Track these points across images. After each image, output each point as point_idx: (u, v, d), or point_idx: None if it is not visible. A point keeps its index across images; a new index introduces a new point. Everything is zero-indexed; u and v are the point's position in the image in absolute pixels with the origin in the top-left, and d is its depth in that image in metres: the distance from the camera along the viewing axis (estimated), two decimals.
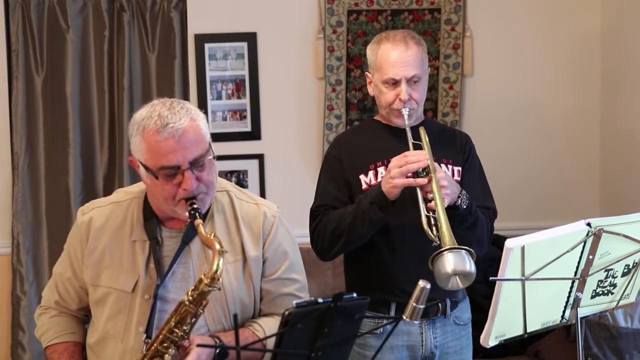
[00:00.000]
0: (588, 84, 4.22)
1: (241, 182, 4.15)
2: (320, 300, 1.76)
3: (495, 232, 2.75)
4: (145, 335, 2.12)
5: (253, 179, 4.18)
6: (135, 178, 3.86)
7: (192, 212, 2.08)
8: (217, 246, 2.03)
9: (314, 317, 1.76)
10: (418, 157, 2.48)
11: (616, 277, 2.33)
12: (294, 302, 1.75)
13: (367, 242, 2.65)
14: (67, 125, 4.06)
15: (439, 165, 2.63)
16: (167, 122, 2.06)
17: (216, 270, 2.02)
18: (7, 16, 4.02)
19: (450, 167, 2.70)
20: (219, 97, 4.13)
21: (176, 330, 2.06)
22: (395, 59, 2.63)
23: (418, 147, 2.60)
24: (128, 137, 2.17)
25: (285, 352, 1.81)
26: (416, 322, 2.32)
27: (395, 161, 2.51)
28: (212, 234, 2.07)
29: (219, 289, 2.07)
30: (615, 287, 2.35)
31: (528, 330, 2.26)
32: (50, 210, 4.09)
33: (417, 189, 2.48)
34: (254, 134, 4.17)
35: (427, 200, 2.47)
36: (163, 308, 2.14)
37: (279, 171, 4.20)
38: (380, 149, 2.68)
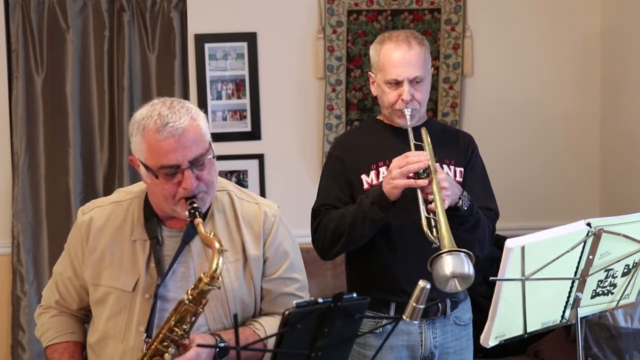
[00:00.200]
0: (588, 84, 4.22)
1: (241, 182, 4.15)
2: (320, 300, 1.76)
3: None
4: (145, 335, 2.13)
5: (253, 179, 4.18)
6: (135, 178, 3.86)
7: (192, 211, 2.08)
8: (217, 245, 2.03)
9: (314, 317, 1.76)
10: (419, 158, 2.48)
11: (616, 277, 2.33)
12: (294, 302, 1.75)
13: (368, 242, 2.65)
14: (67, 125, 4.06)
15: (441, 165, 2.63)
16: (167, 122, 2.06)
17: (215, 269, 2.02)
18: (7, 16, 4.02)
19: (452, 167, 2.70)
20: (219, 97, 4.13)
21: (176, 329, 2.06)
22: (398, 59, 2.63)
23: (420, 148, 2.60)
24: (128, 136, 2.18)
25: (285, 352, 1.81)
26: (416, 322, 2.32)
27: (396, 162, 2.51)
28: (212, 233, 2.07)
29: (219, 288, 2.07)
30: (615, 287, 2.35)
31: (528, 330, 2.26)
32: (50, 210, 4.09)
33: (418, 190, 2.48)
34: (254, 134, 4.17)
35: (427, 202, 2.47)
36: (163, 307, 2.14)
37: (279, 171, 4.20)
38: (382, 148, 2.68)
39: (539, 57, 4.20)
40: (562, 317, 2.31)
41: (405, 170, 2.47)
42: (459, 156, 2.73)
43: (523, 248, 2.10)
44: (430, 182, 2.46)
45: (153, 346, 2.08)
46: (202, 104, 4.04)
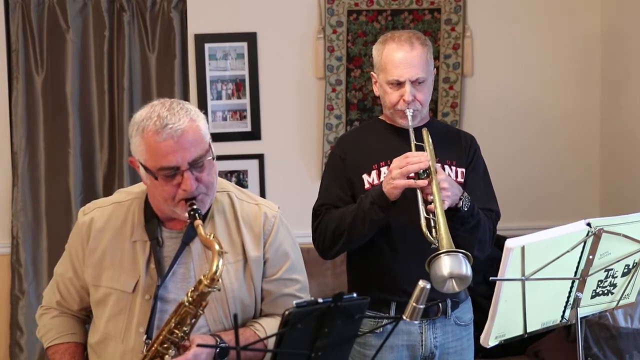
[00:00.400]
0: (588, 84, 4.22)
1: (241, 182, 4.15)
2: (320, 300, 1.76)
3: None
4: (145, 336, 2.13)
5: (253, 179, 4.18)
6: (135, 178, 3.86)
7: (192, 212, 2.08)
8: (217, 247, 2.03)
9: (314, 317, 1.76)
10: (419, 159, 2.48)
11: (616, 277, 2.33)
12: (294, 302, 1.75)
13: (369, 242, 2.65)
14: (67, 125, 4.06)
15: (443, 166, 2.64)
16: (167, 123, 2.06)
17: (215, 271, 2.02)
18: (7, 16, 4.02)
19: (454, 168, 2.70)
20: (219, 97, 4.13)
21: (176, 331, 2.06)
22: (400, 59, 2.63)
23: (421, 148, 2.60)
24: (128, 137, 2.18)
25: (285, 352, 1.81)
26: (416, 322, 2.32)
27: (396, 162, 2.51)
28: (212, 235, 2.07)
29: (219, 290, 2.07)
30: (615, 287, 2.35)
31: (528, 330, 2.26)
32: (49, 210, 4.09)
33: (418, 190, 2.48)
34: (254, 134, 4.17)
35: (427, 202, 2.47)
36: (163, 308, 2.14)
37: (279, 171, 4.20)
38: (384, 148, 2.68)
39: (539, 57, 4.20)
40: (562, 317, 2.31)
41: (405, 171, 2.47)
42: (460, 157, 2.73)
43: (523, 248, 2.10)
44: (430, 183, 2.46)
45: (153, 348, 2.08)
46: (202, 104, 4.03)
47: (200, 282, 2.03)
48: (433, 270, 2.33)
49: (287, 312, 1.73)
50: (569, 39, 4.20)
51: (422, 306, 1.94)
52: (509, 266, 2.11)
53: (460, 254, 2.34)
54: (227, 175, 4.12)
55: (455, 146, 2.75)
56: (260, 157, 4.19)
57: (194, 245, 2.18)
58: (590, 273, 2.24)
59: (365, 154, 2.71)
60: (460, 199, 2.51)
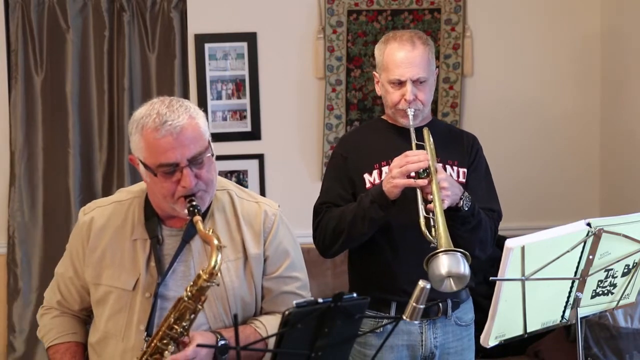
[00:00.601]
0: (588, 84, 4.22)
1: (241, 182, 4.15)
2: (320, 300, 1.76)
3: None
4: (145, 334, 2.13)
5: (253, 179, 4.18)
6: (135, 179, 3.87)
7: (191, 209, 2.08)
8: (216, 242, 2.03)
9: (314, 317, 1.76)
10: (418, 158, 2.49)
11: (616, 277, 2.33)
12: (294, 302, 1.75)
13: (369, 242, 2.66)
14: (67, 125, 4.06)
15: (444, 166, 2.64)
16: (166, 120, 2.06)
17: (214, 266, 2.02)
18: (7, 16, 4.02)
19: (455, 168, 2.70)
20: (219, 97, 4.13)
21: (175, 327, 2.06)
22: (402, 59, 2.63)
23: (422, 148, 2.60)
24: (128, 136, 2.18)
25: (285, 352, 1.81)
26: (416, 322, 2.32)
27: (396, 161, 2.51)
28: (211, 230, 2.07)
29: (217, 285, 2.07)
30: (615, 287, 2.35)
31: (528, 330, 2.26)
32: (46, 210, 4.08)
33: (417, 189, 2.48)
34: (254, 134, 4.17)
35: (427, 201, 2.47)
36: (164, 306, 2.14)
37: (279, 171, 4.20)
38: (385, 148, 2.68)
39: (539, 57, 4.20)
40: (562, 317, 2.31)
41: (405, 170, 2.47)
42: (462, 157, 2.73)
43: (523, 248, 2.10)
44: (430, 182, 2.46)
45: (153, 344, 2.08)
46: (202, 104, 4.03)
47: (199, 276, 2.04)
48: (431, 269, 2.34)
49: (287, 312, 1.74)
50: (569, 39, 4.20)
51: (422, 306, 1.94)
52: (509, 266, 2.11)
53: (459, 253, 2.34)
54: (227, 175, 4.12)
55: (457, 146, 2.75)
56: (260, 157, 4.19)
57: (194, 243, 2.19)
58: (590, 273, 2.24)
59: (367, 153, 2.71)
60: (461, 198, 2.51)
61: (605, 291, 2.34)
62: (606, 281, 2.31)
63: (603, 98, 4.21)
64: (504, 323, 2.20)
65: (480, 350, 2.69)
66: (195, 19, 4.08)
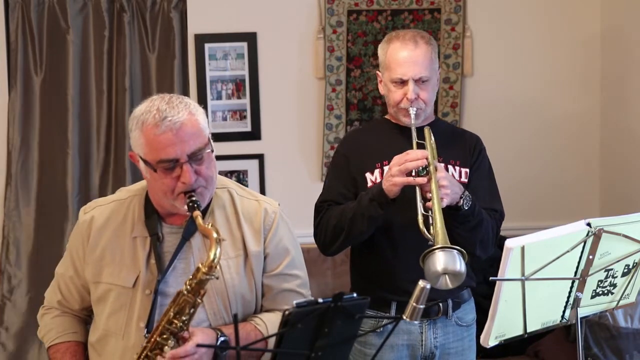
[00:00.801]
0: (588, 84, 4.22)
1: (241, 182, 4.15)
2: (320, 300, 1.76)
3: None
4: (145, 331, 2.13)
5: (253, 179, 4.18)
6: (135, 180, 3.86)
7: (191, 204, 2.08)
8: (215, 235, 2.04)
9: (314, 317, 1.77)
10: (417, 156, 2.49)
11: (616, 277, 2.33)
12: (294, 302, 1.75)
13: (370, 241, 2.67)
14: (65, 125, 4.05)
15: (446, 166, 2.64)
16: (165, 116, 2.07)
17: (213, 259, 2.02)
18: (7, 16, 4.02)
19: (457, 168, 2.70)
20: (219, 97, 4.13)
21: (175, 321, 2.06)
22: (404, 58, 2.64)
23: (422, 146, 2.61)
24: (127, 136, 2.18)
25: (285, 352, 1.81)
26: (416, 322, 2.32)
27: (396, 159, 2.52)
28: (210, 224, 2.08)
29: (217, 278, 2.07)
30: (615, 287, 2.35)
31: (528, 330, 2.26)
32: (42, 210, 4.07)
33: (417, 188, 2.49)
34: (254, 134, 4.17)
35: (426, 199, 2.48)
36: (164, 303, 2.14)
37: (279, 171, 4.20)
38: (388, 147, 2.68)
39: (539, 57, 4.20)
40: (562, 317, 2.31)
41: (404, 168, 2.48)
42: (465, 157, 2.73)
43: (523, 248, 2.10)
44: (429, 180, 2.47)
45: (153, 339, 2.08)
46: (202, 104, 3.96)
47: (198, 269, 2.04)
48: (427, 266, 2.34)
49: (287, 312, 1.74)
50: (569, 39, 4.20)
51: (422, 306, 1.94)
52: (509, 266, 2.11)
53: (455, 251, 2.35)
54: (227, 175, 4.12)
55: (460, 146, 2.75)
56: (260, 157, 4.19)
57: (194, 240, 2.19)
58: (590, 273, 2.24)
59: (369, 152, 2.72)
60: (461, 197, 2.52)
61: (605, 291, 2.34)
62: (606, 281, 2.31)
63: (603, 98, 4.21)
64: (504, 323, 2.20)
65: (480, 350, 2.69)
66: (195, 19, 4.08)
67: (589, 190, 4.27)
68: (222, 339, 2.11)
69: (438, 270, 2.33)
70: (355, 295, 1.82)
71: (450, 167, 2.69)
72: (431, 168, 2.48)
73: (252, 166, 4.18)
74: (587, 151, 4.26)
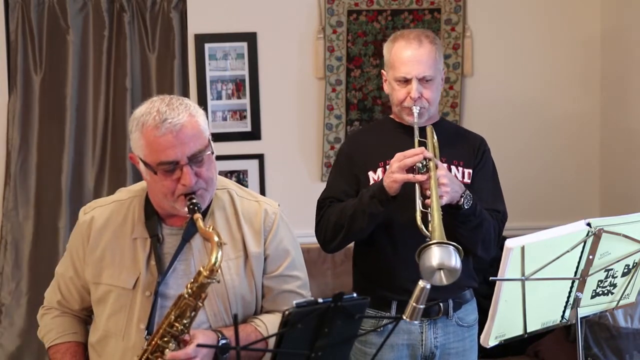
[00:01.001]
0: (588, 84, 4.22)
1: (241, 182, 4.15)
2: (320, 300, 1.76)
3: None
4: (146, 332, 2.13)
5: (253, 179, 4.18)
6: (135, 181, 3.86)
7: (191, 206, 2.08)
8: (216, 238, 2.04)
9: (314, 317, 1.76)
10: (414, 152, 2.51)
11: (616, 277, 2.33)
12: (294, 302, 1.75)
13: (371, 240, 2.67)
14: (65, 125, 4.05)
15: (449, 166, 2.65)
16: (166, 118, 2.06)
17: (215, 263, 2.02)
18: (7, 16, 4.01)
19: (460, 169, 2.71)
20: (219, 97, 4.13)
21: (176, 324, 2.06)
22: (408, 57, 2.65)
23: (424, 145, 2.62)
24: (128, 136, 2.18)
25: (285, 352, 1.81)
26: (416, 322, 2.32)
27: (396, 156, 2.53)
28: (211, 227, 2.08)
29: (218, 282, 2.07)
30: (615, 287, 2.35)
31: (528, 330, 2.26)
32: (40, 210, 4.06)
33: (416, 185, 2.49)
34: (254, 134, 4.17)
35: (425, 197, 2.49)
36: (164, 304, 2.14)
37: (279, 171, 4.20)
38: (391, 146, 2.68)
39: (539, 57, 4.20)
40: (562, 317, 2.31)
41: (403, 164, 2.49)
42: (468, 158, 2.74)
43: (523, 248, 2.10)
44: (429, 178, 2.47)
45: (153, 342, 2.08)
46: (202, 104, 3.95)
47: (199, 273, 2.04)
48: (422, 261, 2.35)
49: (287, 312, 1.74)
50: (569, 39, 4.20)
51: (422, 306, 1.94)
52: (509, 266, 2.11)
53: (451, 247, 2.35)
54: (227, 175, 4.12)
55: (464, 147, 2.76)
56: (260, 157, 4.19)
57: (195, 242, 2.19)
58: (590, 273, 2.24)
59: (372, 151, 2.72)
60: (462, 196, 2.52)
61: (605, 291, 2.34)
62: (606, 281, 2.31)
63: (603, 98, 4.20)
64: (504, 323, 2.20)
65: (480, 350, 2.69)
66: (195, 19, 4.08)
67: (589, 190, 4.27)
68: (222, 341, 2.10)
69: (433, 265, 2.34)
70: (355, 295, 1.82)
71: (453, 167, 2.69)
72: (431, 165, 2.49)
73: (252, 166, 4.18)
74: (587, 151, 4.26)
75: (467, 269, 2.73)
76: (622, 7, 4.03)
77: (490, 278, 2.13)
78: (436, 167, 2.50)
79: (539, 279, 2.16)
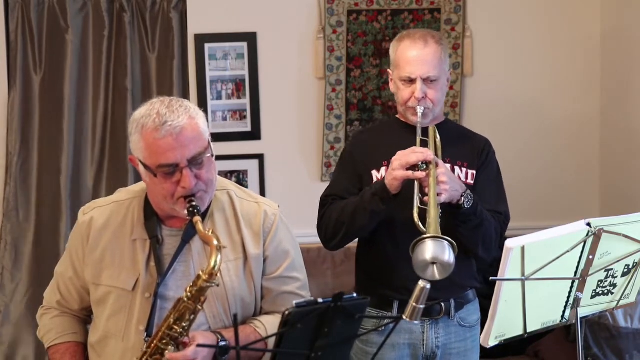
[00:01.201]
0: (588, 84, 4.22)
1: (241, 182, 4.15)
2: (320, 300, 1.76)
3: None
4: (145, 334, 2.13)
5: (253, 179, 4.18)
6: (136, 181, 3.86)
7: (191, 209, 2.08)
8: (215, 242, 2.04)
9: (314, 317, 1.76)
10: (415, 150, 2.52)
11: (616, 277, 2.32)
12: (294, 302, 1.75)
13: (373, 238, 2.68)
14: (64, 125, 4.04)
15: (453, 167, 2.66)
16: (166, 120, 2.06)
17: (214, 266, 2.02)
18: (7, 16, 4.01)
19: (464, 169, 2.71)
20: (219, 97, 4.13)
21: (175, 327, 2.06)
22: (413, 57, 2.65)
23: (426, 143, 2.63)
24: (128, 137, 2.18)
25: (285, 352, 1.81)
26: (416, 322, 2.32)
27: (398, 154, 2.54)
28: (211, 231, 2.07)
29: (217, 285, 2.07)
30: (615, 287, 2.35)
31: (528, 330, 2.26)
32: (41, 210, 4.06)
33: (415, 182, 2.50)
34: (254, 134, 4.17)
35: (425, 194, 2.49)
36: (163, 306, 2.14)
37: (279, 171, 4.20)
38: (395, 146, 2.68)
39: (539, 57, 4.20)
40: (562, 317, 2.31)
41: (405, 162, 2.49)
42: (472, 159, 2.74)
43: (523, 248, 2.10)
44: (428, 175, 2.47)
45: (153, 344, 2.08)
46: (202, 104, 4.03)
47: (198, 277, 2.04)
48: (415, 255, 2.35)
49: (287, 312, 1.74)
50: (569, 39, 4.20)
51: (422, 306, 1.95)
52: (509, 266, 2.11)
53: (445, 241, 2.35)
54: (227, 175, 4.12)
55: (468, 148, 2.76)
56: (260, 157, 4.19)
57: (194, 243, 2.19)
58: (590, 273, 2.24)
59: (376, 150, 2.73)
60: (462, 195, 2.52)
61: (605, 291, 2.34)
62: (606, 281, 2.31)
63: (603, 98, 4.20)
64: (504, 323, 2.20)
65: (480, 350, 2.69)
66: (195, 19, 4.07)
67: (589, 190, 4.27)
68: (222, 342, 2.10)
69: (426, 258, 2.34)
70: (355, 295, 1.82)
71: (457, 167, 2.70)
72: (432, 164, 2.49)
73: (252, 166, 4.18)
74: (587, 151, 4.25)
75: (470, 269, 2.73)
76: (622, 7, 4.03)
77: (490, 278, 2.13)
78: (437, 165, 2.51)
79: (539, 279, 2.16)
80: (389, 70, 2.80)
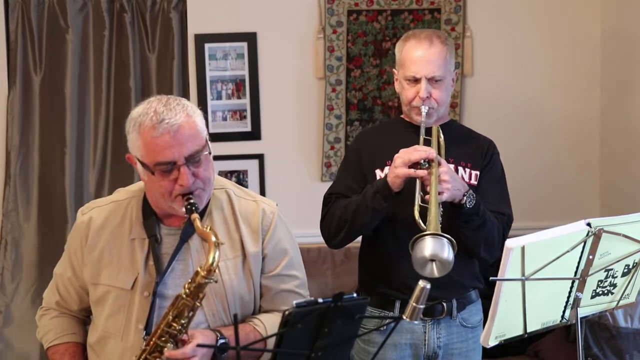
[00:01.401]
0: (588, 84, 4.22)
1: (241, 182, 4.15)
2: (320, 300, 1.76)
3: None
4: (144, 332, 2.13)
5: (253, 179, 4.18)
6: (136, 180, 3.85)
7: (189, 207, 2.08)
8: (213, 238, 2.04)
9: (314, 317, 1.76)
10: (418, 148, 2.53)
11: (616, 277, 2.32)
12: (294, 302, 1.75)
13: (376, 237, 2.68)
14: (64, 125, 4.04)
15: (457, 167, 2.67)
16: (163, 118, 2.07)
17: (212, 263, 2.02)
18: (7, 16, 4.01)
19: (468, 170, 2.71)
20: (219, 97, 4.13)
21: (174, 324, 2.06)
22: (418, 56, 2.66)
23: (429, 143, 2.64)
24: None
25: (285, 352, 1.81)
26: (416, 322, 2.32)
27: (400, 152, 2.54)
28: (208, 227, 2.08)
29: (216, 282, 2.07)
30: (615, 287, 2.35)
31: (528, 330, 2.26)
32: (41, 210, 4.06)
33: (417, 180, 2.50)
34: (254, 134, 4.17)
35: (426, 192, 2.49)
36: (162, 305, 2.15)
37: (279, 171, 4.20)
38: (399, 145, 2.68)
39: (539, 57, 4.20)
40: (562, 317, 2.31)
41: (407, 159, 2.50)
42: (476, 159, 2.74)
43: (523, 248, 2.10)
44: (430, 173, 2.48)
45: (152, 342, 2.08)
46: (202, 104, 4.03)
47: (197, 273, 2.04)
48: (414, 252, 2.35)
49: (287, 312, 1.74)
50: (569, 39, 4.20)
51: (422, 306, 1.94)
52: (509, 266, 2.11)
53: (445, 239, 2.35)
54: (227, 175, 4.12)
55: (472, 149, 2.76)
56: (260, 157, 4.19)
57: (193, 242, 2.19)
58: (590, 273, 2.24)
59: (381, 150, 2.73)
60: (464, 195, 2.52)
61: (605, 291, 2.34)
62: (606, 281, 2.31)
63: (603, 98, 4.20)
64: (504, 323, 2.20)
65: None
66: (195, 19, 4.07)
67: (589, 190, 4.27)
68: (221, 340, 2.10)
69: (425, 255, 2.34)
70: (355, 295, 1.82)
71: (460, 168, 2.70)
72: (434, 162, 2.49)
73: (252, 166, 4.18)
74: (587, 151, 4.25)
75: (473, 269, 2.73)
76: (622, 7, 4.03)
77: (491, 278, 2.13)
78: (439, 164, 2.51)
79: (539, 279, 2.15)
80: (394, 69, 2.80)
